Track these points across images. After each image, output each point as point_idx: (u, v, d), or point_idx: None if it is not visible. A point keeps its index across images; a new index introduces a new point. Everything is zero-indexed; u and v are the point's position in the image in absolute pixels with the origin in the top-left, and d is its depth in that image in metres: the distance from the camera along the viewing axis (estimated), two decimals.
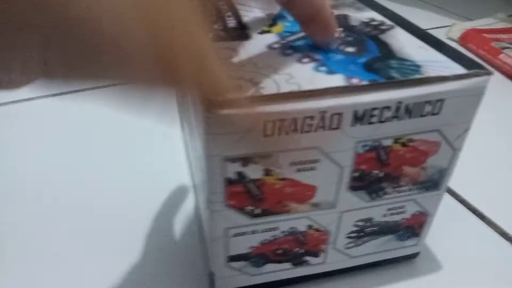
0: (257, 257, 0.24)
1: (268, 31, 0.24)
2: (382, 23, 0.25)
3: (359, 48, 0.22)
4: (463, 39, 0.60)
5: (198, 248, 0.29)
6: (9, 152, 0.38)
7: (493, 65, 0.55)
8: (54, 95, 0.47)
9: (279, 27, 0.24)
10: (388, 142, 0.21)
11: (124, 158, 0.38)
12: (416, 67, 0.20)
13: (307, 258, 0.25)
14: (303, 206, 0.22)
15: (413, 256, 0.28)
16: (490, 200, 0.35)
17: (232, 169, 0.19)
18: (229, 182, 0.20)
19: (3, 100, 0.46)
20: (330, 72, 0.20)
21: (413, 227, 0.26)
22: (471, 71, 0.20)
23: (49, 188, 0.34)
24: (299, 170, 0.20)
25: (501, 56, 0.54)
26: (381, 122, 0.20)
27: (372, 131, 0.20)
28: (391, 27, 0.25)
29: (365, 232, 0.25)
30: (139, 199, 0.33)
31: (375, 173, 0.22)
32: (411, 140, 0.21)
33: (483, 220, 0.33)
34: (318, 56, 0.21)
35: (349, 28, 0.24)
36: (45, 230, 0.30)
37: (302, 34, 0.23)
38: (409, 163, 0.22)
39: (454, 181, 0.36)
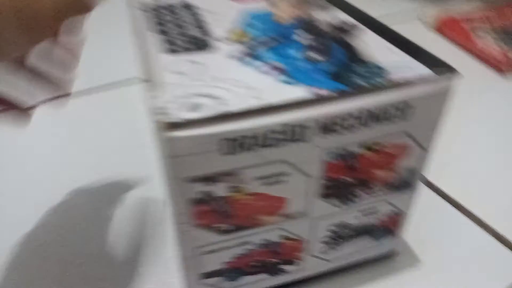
0: (232, 271, 0.23)
1: (232, 39, 0.23)
2: (350, 24, 0.25)
3: (324, 54, 0.22)
4: (439, 26, 0.60)
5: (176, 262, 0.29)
6: None
7: (468, 51, 0.55)
8: None
9: (242, 34, 0.24)
10: (356, 149, 0.21)
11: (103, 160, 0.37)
12: (382, 72, 0.20)
13: (284, 267, 0.25)
14: (274, 218, 0.22)
15: (391, 254, 0.28)
16: (467, 190, 0.35)
17: (197, 189, 0.19)
18: (195, 202, 0.19)
19: None
20: (294, 82, 0.19)
21: (389, 227, 0.26)
22: (437, 73, 0.20)
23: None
24: (267, 184, 0.20)
25: (477, 42, 0.54)
26: (347, 130, 0.19)
27: (339, 140, 0.20)
28: (358, 28, 0.24)
29: (340, 236, 0.25)
30: (118, 208, 0.33)
31: (345, 179, 0.22)
32: (379, 145, 0.21)
33: (460, 210, 0.33)
34: (282, 66, 0.21)
35: (315, 31, 0.24)
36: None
37: (266, 40, 0.23)
38: (379, 166, 0.22)
39: (432, 174, 0.36)
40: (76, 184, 0.35)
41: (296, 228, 0.23)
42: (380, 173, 0.22)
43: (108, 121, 0.42)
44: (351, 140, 0.20)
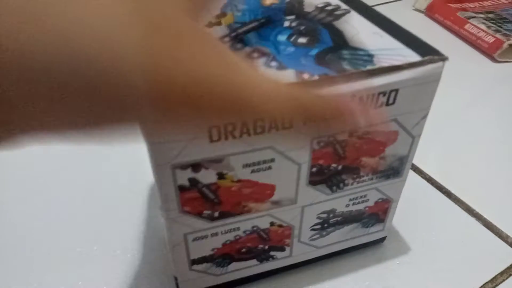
0: (221, 258, 0.23)
1: (217, 23, 0.22)
2: (338, 8, 0.24)
3: (311, 38, 0.21)
4: (430, 10, 0.60)
5: (164, 251, 0.29)
6: None
7: (459, 35, 0.55)
8: None
9: (229, 17, 0.23)
10: (343, 136, 0.20)
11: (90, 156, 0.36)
12: (369, 57, 0.20)
13: (273, 253, 0.25)
14: (263, 205, 0.22)
15: (380, 240, 0.28)
16: (456, 177, 0.35)
17: (183, 176, 0.19)
18: (182, 189, 0.19)
19: None
20: (281, 67, 0.19)
21: (377, 214, 0.26)
22: (425, 58, 0.20)
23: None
24: (254, 171, 0.20)
25: (467, 26, 0.54)
26: None
27: (322, 127, 0.19)
28: (346, 12, 0.24)
29: (329, 223, 0.25)
30: (105, 199, 0.32)
31: (334, 166, 0.22)
32: (367, 132, 0.21)
33: (449, 198, 0.33)
34: (269, 50, 0.20)
35: (302, 15, 0.23)
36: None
37: (253, 24, 0.22)
38: (368, 154, 0.22)
39: (420, 160, 0.36)
40: (64, 171, 0.35)
41: (285, 215, 0.23)
42: (368, 160, 0.22)
43: None
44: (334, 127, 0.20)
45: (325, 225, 0.25)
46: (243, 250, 0.24)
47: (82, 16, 0.09)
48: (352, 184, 0.23)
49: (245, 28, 0.22)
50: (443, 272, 0.28)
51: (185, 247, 0.22)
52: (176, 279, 0.24)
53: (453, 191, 0.33)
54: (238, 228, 0.22)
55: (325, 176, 0.22)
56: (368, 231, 0.27)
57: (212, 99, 0.11)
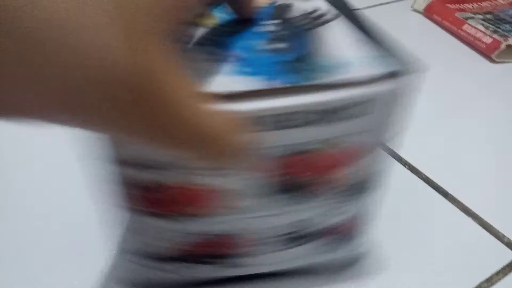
0: (175, 258, 0.23)
1: (196, 23, 0.21)
2: (324, 14, 0.23)
3: (289, 44, 0.20)
4: (428, 11, 0.60)
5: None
6: None
7: (457, 36, 0.55)
8: None
9: (211, 18, 0.22)
10: (312, 146, 0.20)
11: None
12: (344, 66, 0.19)
13: (230, 260, 0.24)
14: (217, 209, 0.21)
15: (353, 261, 0.28)
16: (453, 177, 0.35)
17: (129, 173, 0.18)
18: (128, 187, 0.19)
19: None
20: (251, 73, 0.18)
21: (348, 229, 0.25)
22: (401, 69, 0.19)
23: None
24: (212, 175, 0.19)
25: (465, 26, 0.54)
26: (304, 126, 0.18)
27: (293, 136, 0.19)
28: (332, 19, 0.23)
29: (295, 235, 0.24)
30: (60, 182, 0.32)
31: (302, 177, 0.21)
32: (338, 143, 0.20)
33: (446, 197, 0.33)
34: (241, 54, 0.19)
35: (286, 20, 0.22)
36: None
37: (232, 27, 0.21)
38: (338, 166, 0.21)
39: (416, 160, 0.36)
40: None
41: (247, 223, 0.22)
42: (339, 173, 0.21)
43: None
44: (306, 137, 0.19)
45: (291, 237, 0.24)
46: (197, 253, 0.23)
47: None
48: (320, 196, 0.22)
49: (221, 30, 0.21)
50: (439, 271, 0.28)
51: (135, 243, 0.22)
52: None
53: (449, 191, 0.34)
54: (190, 232, 0.22)
55: (292, 186, 0.21)
56: (338, 248, 0.26)
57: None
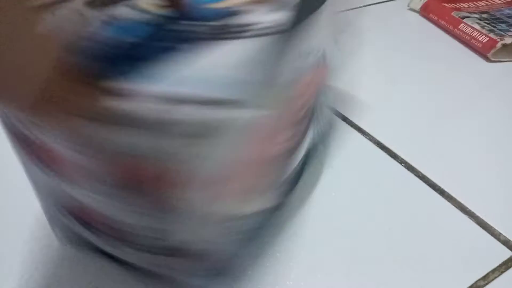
0: (73, 217, 0.23)
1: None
2: (264, 28, 0.19)
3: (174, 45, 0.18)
4: (424, 10, 0.60)
5: None
6: None
7: (453, 35, 0.55)
8: None
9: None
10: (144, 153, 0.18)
11: None
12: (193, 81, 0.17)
13: (108, 239, 0.23)
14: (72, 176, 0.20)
15: None
16: (449, 175, 0.35)
17: (12, 122, 0.19)
18: (15, 135, 0.20)
19: None
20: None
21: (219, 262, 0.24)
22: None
23: None
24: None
25: (461, 26, 0.54)
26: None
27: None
28: (265, 34, 0.19)
29: (164, 243, 0.22)
30: None
31: (136, 180, 0.19)
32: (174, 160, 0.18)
33: (442, 195, 0.33)
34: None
35: (205, 25, 0.19)
36: None
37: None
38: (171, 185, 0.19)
39: (413, 158, 0.36)
40: None
41: (91, 199, 0.21)
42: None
43: None
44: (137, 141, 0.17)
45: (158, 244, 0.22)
46: (81, 218, 0.23)
47: None
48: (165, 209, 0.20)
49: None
50: (436, 269, 0.28)
51: (44, 196, 0.23)
52: None
53: (446, 189, 0.34)
54: (70, 194, 0.21)
55: (125, 185, 0.19)
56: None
57: None
